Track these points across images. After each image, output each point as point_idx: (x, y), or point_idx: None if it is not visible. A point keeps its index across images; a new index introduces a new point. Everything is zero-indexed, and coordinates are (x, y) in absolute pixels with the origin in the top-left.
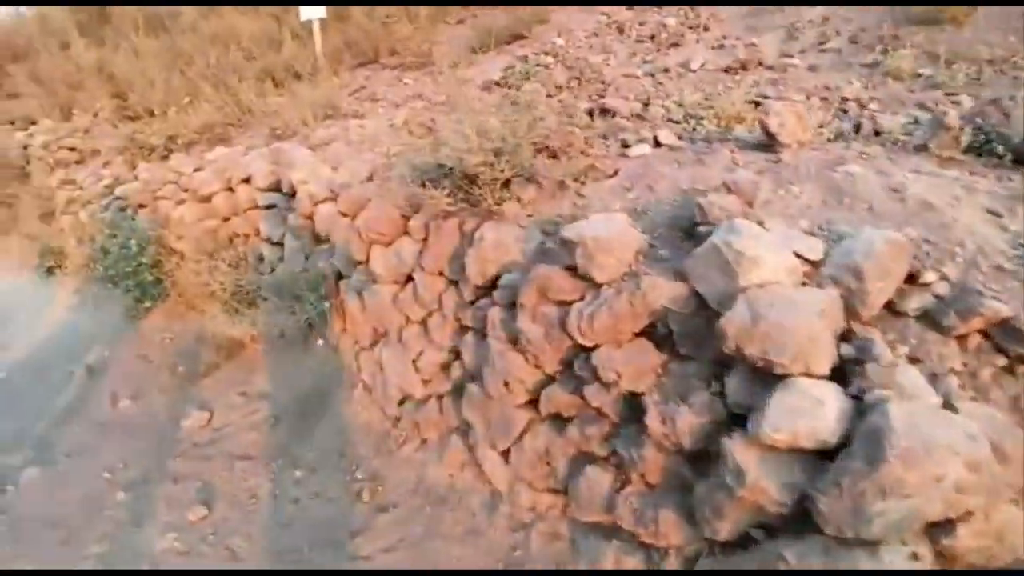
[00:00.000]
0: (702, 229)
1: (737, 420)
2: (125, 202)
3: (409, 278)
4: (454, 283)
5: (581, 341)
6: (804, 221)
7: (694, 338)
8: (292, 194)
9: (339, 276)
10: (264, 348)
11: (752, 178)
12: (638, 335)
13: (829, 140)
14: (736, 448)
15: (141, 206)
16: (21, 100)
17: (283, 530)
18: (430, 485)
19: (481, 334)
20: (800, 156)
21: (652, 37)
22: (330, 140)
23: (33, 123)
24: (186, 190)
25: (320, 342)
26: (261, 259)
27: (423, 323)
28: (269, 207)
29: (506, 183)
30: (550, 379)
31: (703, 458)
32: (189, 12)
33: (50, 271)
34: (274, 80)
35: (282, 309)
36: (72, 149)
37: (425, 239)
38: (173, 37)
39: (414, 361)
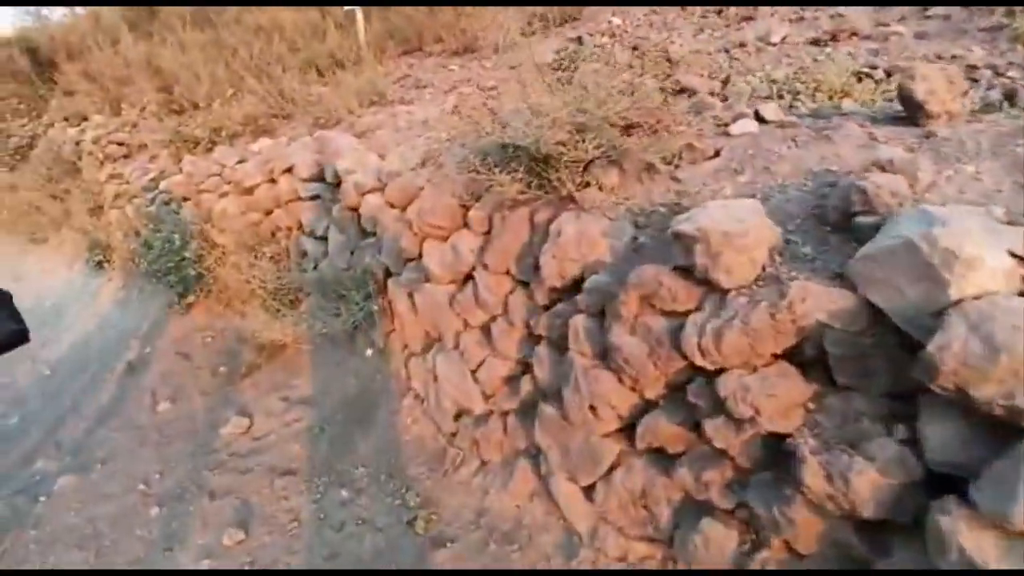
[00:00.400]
0: (864, 220)
1: (938, 480)
2: (169, 196)
3: (468, 277)
4: (523, 284)
5: (701, 363)
6: (998, 208)
7: (861, 364)
8: (336, 184)
9: (387, 273)
10: (306, 348)
11: (907, 156)
12: (777, 357)
13: (974, 112)
14: (961, 531)
15: (185, 199)
16: (75, 97)
17: (326, 563)
18: (494, 517)
19: (558, 346)
20: (959, 129)
21: (719, 12)
22: (376, 127)
23: (85, 119)
24: (229, 183)
25: (366, 345)
26: (304, 254)
27: (485, 329)
28: (312, 198)
29: (585, 166)
30: (650, 405)
31: (883, 529)
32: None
33: (99, 265)
34: (318, 70)
35: (326, 308)
36: (120, 144)
37: (488, 232)
38: (218, 30)
39: (473, 372)
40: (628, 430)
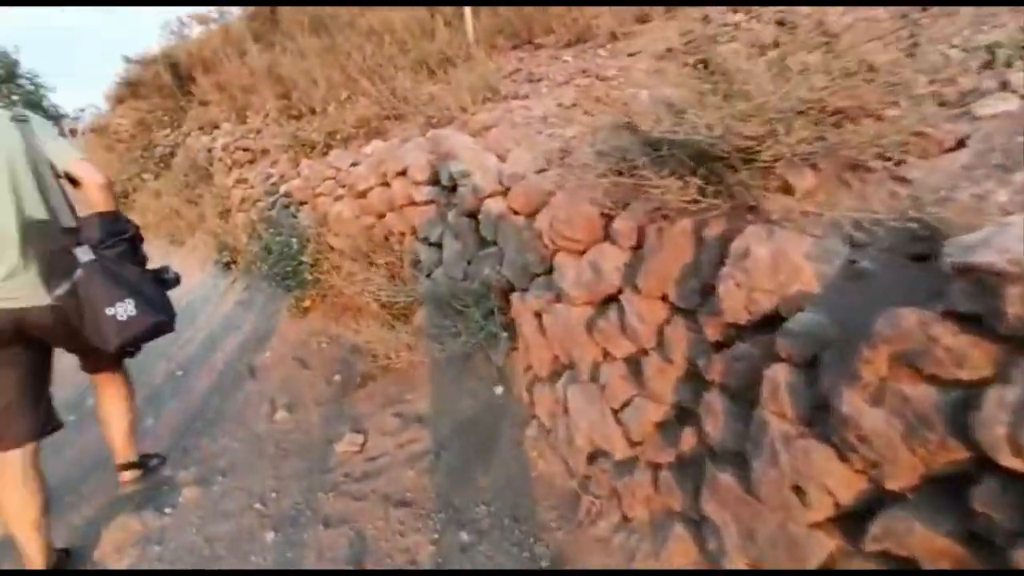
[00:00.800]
0: None
1: None
2: (288, 199)
3: (611, 299)
4: (683, 312)
5: (1009, 463)
6: None
7: None
8: (452, 187)
9: (510, 288)
10: (421, 361)
11: None
12: None
13: None
14: None
15: (302, 203)
16: (208, 108)
17: None
18: None
19: (740, 398)
20: None
21: None
22: (492, 125)
23: (216, 127)
24: (343, 186)
25: (484, 364)
26: (417, 261)
27: (632, 362)
28: (427, 203)
29: (767, 166)
30: (889, 496)
31: None
32: (347, 8)
33: (226, 267)
34: (428, 69)
35: (441, 324)
36: (246, 149)
37: (636, 247)
38: (333, 35)
39: (616, 411)
40: (846, 519)
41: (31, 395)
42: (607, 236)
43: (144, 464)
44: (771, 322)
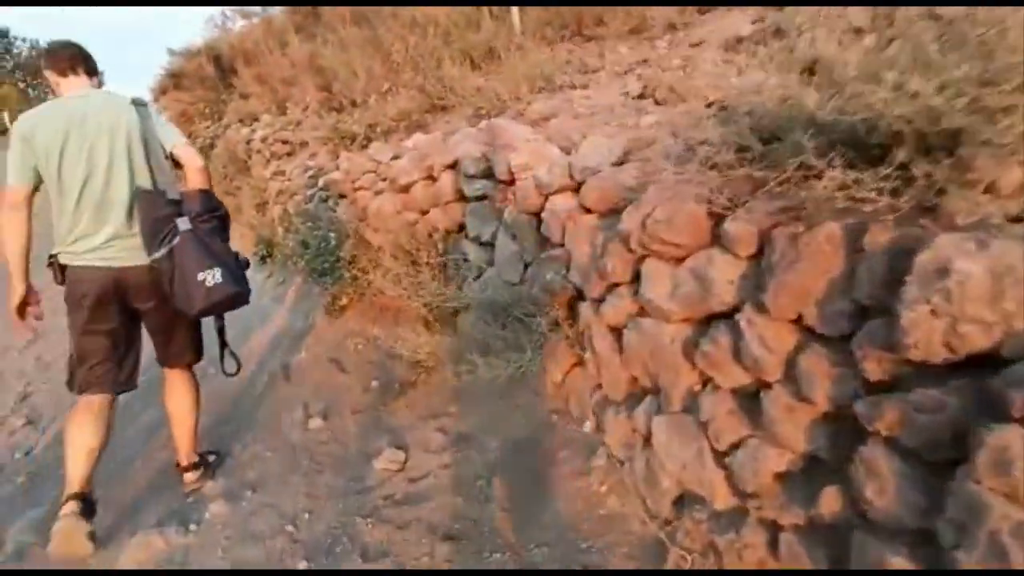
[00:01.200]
0: None
1: None
2: (327, 193)
3: (718, 316)
4: (827, 340)
5: None
6: None
7: None
8: (509, 182)
9: (578, 296)
10: (465, 371)
11: None
12: None
13: None
14: None
15: (341, 196)
16: (249, 100)
17: None
18: None
19: (927, 462)
20: None
21: None
22: (550, 115)
23: (256, 119)
24: (383, 179)
25: (540, 379)
26: (464, 260)
27: (745, 395)
28: (479, 198)
29: (953, 155)
30: None
31: None
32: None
33: (262, 260)
34: (472, 61)
35: (491, 329)
36: (285, 142)
37: (756, 255)
38: (375, 26)
39: (720, 453)
40: None
41: (119, 352)
42: (715, 241)
43: (204, 462)
44: (979, 363)
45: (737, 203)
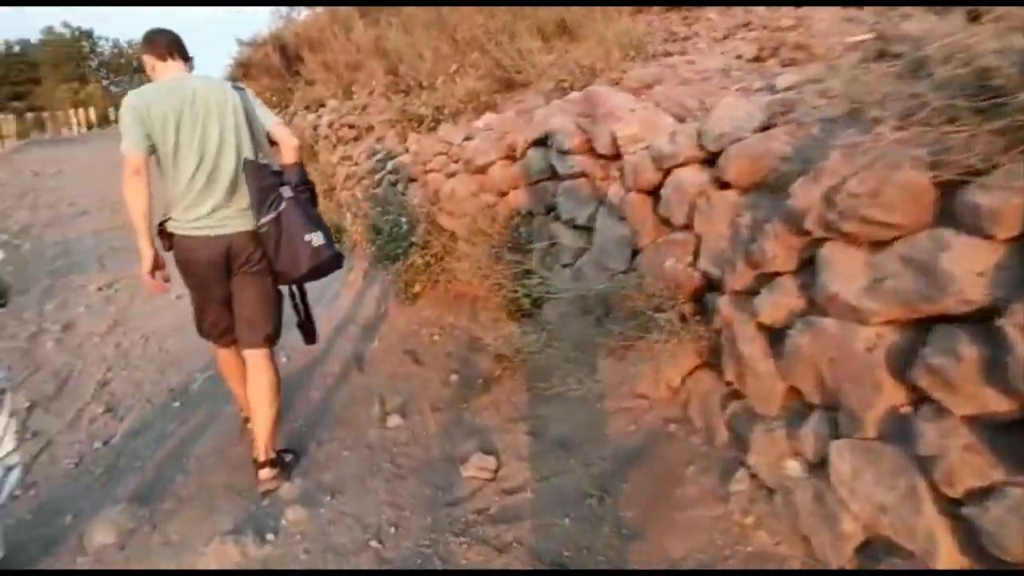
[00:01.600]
0: None
1: None
2: (396, 176)
3: (954, 319)
4: None
5: None
6: None
7: None
8: (612, 157)
9: (707, 286)
10: (560, 365)
11: None
12: None
13: None
14: None
15: (411, 180)
16: (315, 86)
17: None
18: None
19: None
20: None
21: None
22: (652, 82)
23: (322, 105)
24: (457, 161)
25: (654, 378)
26: (552, 245)
27: (992, 426)
28: (574, 176)
29: None
30: None
31: None
32: None
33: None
34: (543, 36)
35: (586, 321)
36: (351, 126)
37: (1020, 237)
38: (440, 9)
39: (948, 499)
40: None
41: (262, 309)
42: (943, 218)
43: (281, 461)
44: None
45: (979, 169)
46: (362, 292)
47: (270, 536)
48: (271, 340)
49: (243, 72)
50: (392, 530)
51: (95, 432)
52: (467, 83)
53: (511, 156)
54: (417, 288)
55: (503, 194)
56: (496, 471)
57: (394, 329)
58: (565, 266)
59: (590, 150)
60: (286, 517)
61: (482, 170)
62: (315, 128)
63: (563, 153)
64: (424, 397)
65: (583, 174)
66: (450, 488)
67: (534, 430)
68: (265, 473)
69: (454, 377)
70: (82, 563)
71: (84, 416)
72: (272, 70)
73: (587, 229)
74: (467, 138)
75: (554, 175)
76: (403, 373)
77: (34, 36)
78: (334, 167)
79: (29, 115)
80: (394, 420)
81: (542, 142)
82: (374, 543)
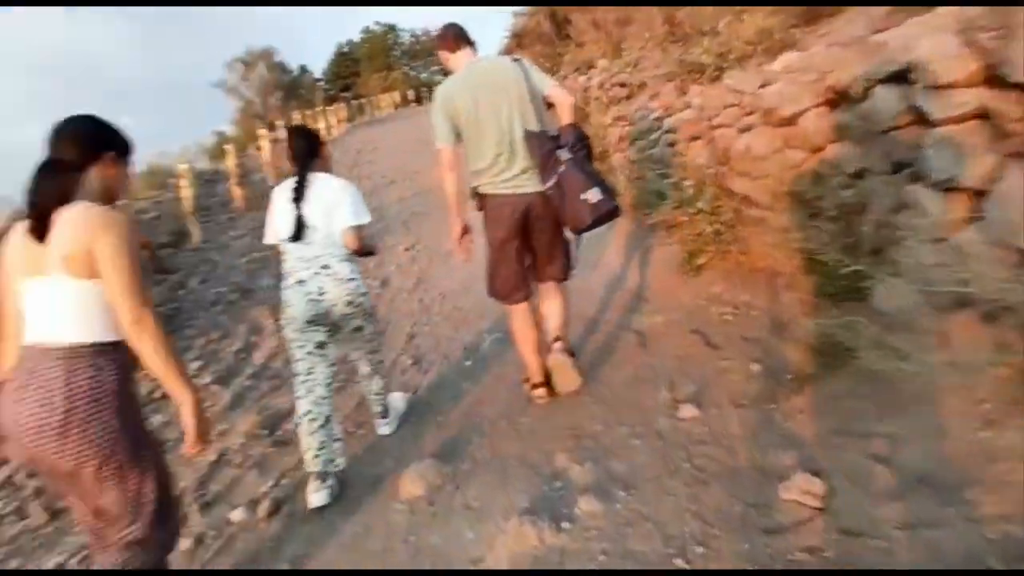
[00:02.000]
0: None
1: None
2: (674, 136)
3: None
4: None
5: None
6: None
7: None
8: None
9: None
10: (911, 370)
11: None
12: None
13: None
14: None
15: (694, 138)
16: (584, 48)
17: None
18: None
19: None
20: None
21: None
22: None
23: (591, 66)
24: (751, 113)
25: None
26: (895, 212)
27: None
28: (959, 119)
29: None
30: None
31: None
32: None
33: None
34: None
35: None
36: (622, 85)
37: None
38: None
39: None
40: None
41: (556, 250)
42: None
43: (573, 352)
44: None
45: None
46: (639, 261)
47: (565, 525)
48: (564, 273)
49: (516, 43)
50: (699, 549)
51: (406, 383)
52: (756, 21)
53: (830, 101)
54: (702, 259)
55: (817, 149)
56: (824, 499)
57: (677, 303)
58: (923, 241)
59: (990, 79)
60: (579, 506)
61: (789, 121)
62: (585, 90)
63: (938, 88)
64: (721, 388)
65: (977, 115)
66: (766, 510)
67: (876, 453)
68: (558, 345)
69: (756, 367)
70: (397, 508)
71: (397, 366)
72: (544, 37)
73: (975, 193)
74: (765, 84)
75: (917, 120)
76: (693, 356)
77: (356, 36)
78: (606, 129)
79: (354, 103)
80: (687, 411)
81: (897, 77)
82: (679, 561)
